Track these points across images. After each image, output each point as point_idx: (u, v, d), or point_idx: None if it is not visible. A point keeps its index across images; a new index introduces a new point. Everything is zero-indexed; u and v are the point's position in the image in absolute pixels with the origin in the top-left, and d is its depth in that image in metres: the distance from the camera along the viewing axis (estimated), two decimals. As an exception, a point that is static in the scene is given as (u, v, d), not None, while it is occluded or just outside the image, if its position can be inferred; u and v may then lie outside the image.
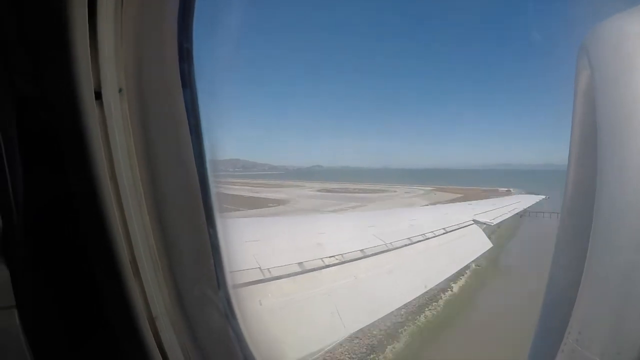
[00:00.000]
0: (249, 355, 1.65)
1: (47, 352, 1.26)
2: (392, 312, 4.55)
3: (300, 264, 4.36)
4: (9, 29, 1.14)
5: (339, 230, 6.85)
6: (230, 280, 1.59)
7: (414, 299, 5.03)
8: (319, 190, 61.30)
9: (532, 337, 1.58)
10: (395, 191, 58.89)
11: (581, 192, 1.36)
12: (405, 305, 4.89)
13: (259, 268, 3.95)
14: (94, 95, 1.11)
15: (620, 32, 1.25)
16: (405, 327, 13.80)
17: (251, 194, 50.85)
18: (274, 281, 3.96)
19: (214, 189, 1.47)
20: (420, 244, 6.10)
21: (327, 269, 4.59)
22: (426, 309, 15.02)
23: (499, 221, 8.59)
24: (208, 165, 1.44)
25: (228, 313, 1.60)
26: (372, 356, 12.18)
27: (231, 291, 1.60)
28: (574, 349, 1.17)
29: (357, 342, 12.00)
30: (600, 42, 1.32)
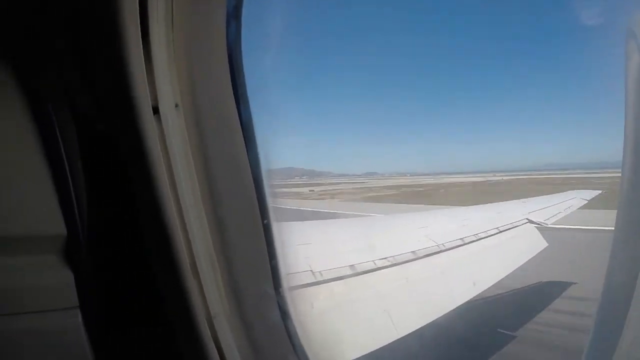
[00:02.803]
0: (302, 355, 1.69)
1: (107, 350, 1.36)
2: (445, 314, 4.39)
3: (352, 266, 4.37)
4: (70, 52, 1.27)
5: (395, 231, 6.72)
6: (285, 281, 1.63)
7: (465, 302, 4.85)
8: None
9: (588, 342, 1.51)
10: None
11: (638, 186, 1.29)
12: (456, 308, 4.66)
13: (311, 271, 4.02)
14: (152, 110, 1.20)
15: None
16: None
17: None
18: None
19: (269, 194, 1.53)
20: (474, 245, 5.92)
21: (379, 270, 4.55)
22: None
23: (554, 220, 8.04)
24: (263, 173, 1.50)
25: (284, 314, 1.65)
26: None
27: (286, 292, 1.65)
28: (629, 354, 1.12)
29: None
30: None
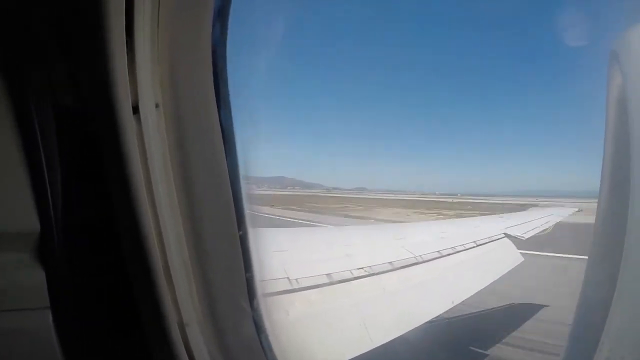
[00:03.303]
0: None
1: (77, 353, 1.33)
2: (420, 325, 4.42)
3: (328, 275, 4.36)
4: (53, 47, 1.24)
5: (368, 241, 6.76)
6: (260, 289, 1.61)
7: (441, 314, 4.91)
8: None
9: (562, 354, 1.53)
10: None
11: (614, 207, 1.31)
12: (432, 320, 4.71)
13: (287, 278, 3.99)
14: (131, 110, 1.18)
15: None
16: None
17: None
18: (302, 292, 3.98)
19: (246, 201, 1.50)
20: (451, 257, 5.98)
21: (355, 280, 4.55)
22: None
23: (530, 235, 8.26)
24: (241, 179, 1.48)
25: (257, 323, 1.62)
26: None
27: (261, 301, 1.62)
28: None
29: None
30: (630, 47, 1.28)
